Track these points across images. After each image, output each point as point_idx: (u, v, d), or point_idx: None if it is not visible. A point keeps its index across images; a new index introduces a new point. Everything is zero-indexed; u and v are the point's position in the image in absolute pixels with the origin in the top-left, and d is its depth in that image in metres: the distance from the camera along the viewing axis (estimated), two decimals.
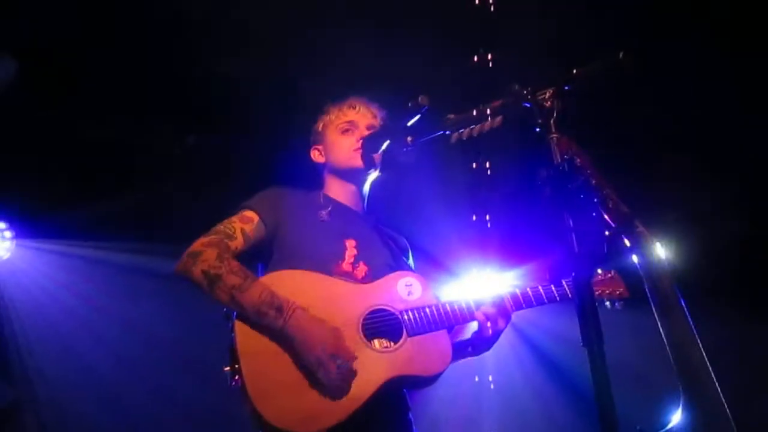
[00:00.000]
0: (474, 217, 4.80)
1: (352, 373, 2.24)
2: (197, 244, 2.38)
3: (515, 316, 2.61)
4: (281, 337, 2.25)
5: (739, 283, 4.54)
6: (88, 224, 4.81)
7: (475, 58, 3.88)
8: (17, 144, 4.59)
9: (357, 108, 2.72)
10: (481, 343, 2.54)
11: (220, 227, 2.45)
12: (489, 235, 4.79)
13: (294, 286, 2.34)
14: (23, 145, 4.60)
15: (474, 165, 4.51)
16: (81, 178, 4.74)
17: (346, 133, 2.69)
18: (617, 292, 2.50)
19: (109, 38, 4.15)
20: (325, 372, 2.20)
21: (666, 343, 1.55)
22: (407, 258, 2.76)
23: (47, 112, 4.55)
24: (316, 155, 2.78)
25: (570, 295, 2.44)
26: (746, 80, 3.93)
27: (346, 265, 2.49)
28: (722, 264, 4.45)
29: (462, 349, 2.55)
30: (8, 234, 4.85)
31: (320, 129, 2.77)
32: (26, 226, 4.90)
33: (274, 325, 2.23)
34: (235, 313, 2.29)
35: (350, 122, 2.70)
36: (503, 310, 2.49)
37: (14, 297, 4.89)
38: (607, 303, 2.49)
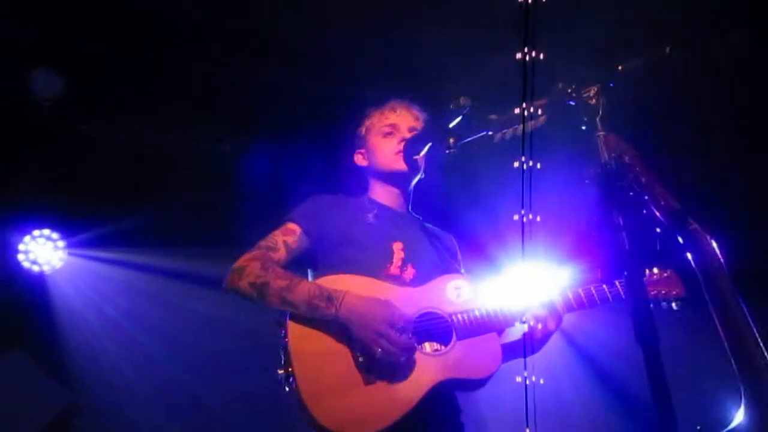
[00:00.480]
0: (516, 217, 4.74)
1: (411, 342, 2.26)
2: (241, 260, 2.43)
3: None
4: (335, 328, 2.28)
5: None
6: (140, 232, 4.89)
7: (518, 56, 3.84)
8: (67, 156, 4.72)
9: (398, 111, 2.73)
10: (530, 347, 2.52)
11: (262, 242, 2.49)
12: (537, 232, 4.74)
13: (342, 288, 2.34)
14: (72, 157, 4.72)
15: (515, 164, 4.46)
16: (130, 187, 4.84)
17: (388, 137, 2.69)
18: (674, 292, 2.44)
19: (153, 51, 4.23)
20: (388, 340, 2.21)
21: (724, 341, 1.52)
22: (455, 256, 2.75)
23: (94, 124, 4.67)
24: (359, 159, 2.80)
25: (623, 296, 2.40)
26: None
27: (394, 269, 2.50)
28: None
29: (511, 351, 2.54)
30: (61, 244, 4.98)
31: (363, 133, 2.79)
32: (78, 236, 5.02)
33: (327, 313, 2.27)
34: (287, 316, 2.33)
35: (392, 125, 2.70)
36: (554, 314, 2.47)
37: (69, 304, 5.02)
38: (663, 303, 2.43)
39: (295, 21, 3.97)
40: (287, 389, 2.26)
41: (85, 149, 4.72)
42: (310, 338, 2.29)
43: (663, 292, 2.42)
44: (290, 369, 2.24)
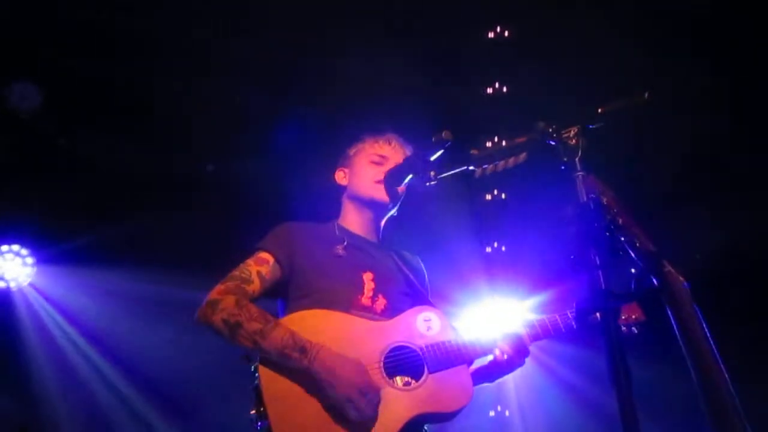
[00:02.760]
0: (489, 249, 4.82)
1: (379, 406, 2.24)
2: (215, 293, 2.39)
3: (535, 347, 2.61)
4: (307, 377, 2.26)
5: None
6: (107, 250, 4.85)
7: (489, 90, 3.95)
8: (38, 171, 4.66)
9: (393, 144, 2.74)
10: (498, 373, 2.57)
11: (235, 272, 2.45)
12: (506, 263, 4.81)
13: (314, 327, 2.34)
14: (43, 172, 4.68)
15: (488, 196, 4.56)
16: (100, 203, 4.80)
17: (374, 165, 2.69)
18: (633, 317, 2.47)
19: (127, 68, 4.24)
20: (356, 408, 2.20)
21: (696, 384, 1.55)
22: (423, 280, 2.76)
23: (66, 138, 4.63)
24: (339, 176, 2.79)
25: (590, 326, 2.45)
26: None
27: (365, 300, 2.49)
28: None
29: (479, 377, 2.55)
30: (30, 260, 4.90)
31: (351, 154, 2.79)
32: (47, 252, 4.94)
33: (299, 366, 2.25)
34: (258, 357, 2.30)
35: (382, 156, 2.70)
36: (521, 346, 2.49)
37: (35, 321, 4.93)
38: (623, 328, 2.46)
39: (279, 45, 4.01)
40: (259, 429, 2.23)
41: (60, 164, 4.68)
42: (283, 379, 2.26)
43: (623, 317, 2.46)
44: (262, 409, 2.21)
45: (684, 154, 4.24)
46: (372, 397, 2.23)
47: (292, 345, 2.26)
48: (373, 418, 2.23)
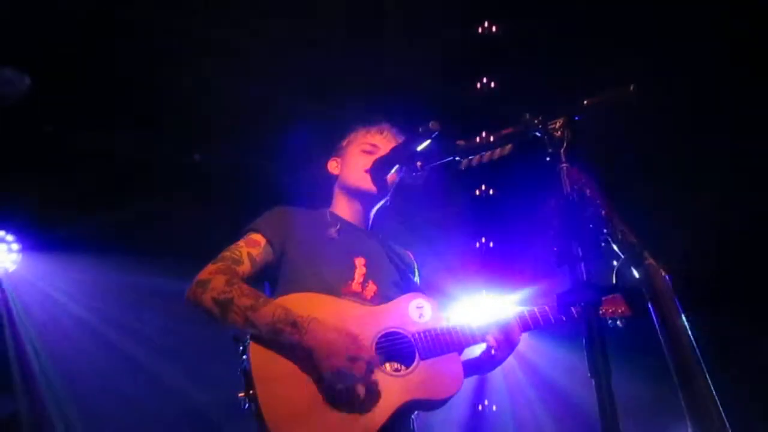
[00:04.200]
0: (477, 244, 4.84)
1: (373, 383, 2.22)
2: (205, 273, 2.35)
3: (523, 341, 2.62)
4: (299, 353, 2.22)
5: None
6: (94, 237, 4.83)
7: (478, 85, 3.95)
8: (25, 157, 4.64)
9: (384, 134, 2.73)
10: (489, 364, 2.57)
11: (226, 253, 2.42)
12: (494, 258, 4.83)
13: (307, 310, 2.31)
14: (30, 158, 4.65)
15: (477, 192, 4.57)
16: (87, 191, 4.78)
17: (365, 154, 2.68)
18: (619, 311, 2.51)
19: (114, 54, 4.22)
20: (351, 376, 2.16)
21: (674, 376, 1.56)
22: (413, 273, 2.76)
23: (54, 125, 4.61)
24: (332, 166, 2.78)
25: (576, 316, 2.44)
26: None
27: (355, 285, 2.49)
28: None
29: (470, 368, 2.56)
30: (15, 246, 4.87)
31: (344, 144, 2.79)
32: (33, 238, 4.92)
33: (291, 340, 2.21)
34: (248, 337, 2.27)
35: (374, 145, 2.69)
36: (512, 334, 2.50)
37: (21, 308, 4.92)
38: (609, 321, 2.50)
39: (269, 37, 4.01)
40: (248, 411, 2.19)
41: (48, 151, 4.66)
42: (273, 361, 2.22)
43: (609, 311, 2.49)
44: (251, 392, 2.17)
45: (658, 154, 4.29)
46: (369, 362, 2.19)
47: (284, 319, 2.22)
48: (364, 401, 2.20)
